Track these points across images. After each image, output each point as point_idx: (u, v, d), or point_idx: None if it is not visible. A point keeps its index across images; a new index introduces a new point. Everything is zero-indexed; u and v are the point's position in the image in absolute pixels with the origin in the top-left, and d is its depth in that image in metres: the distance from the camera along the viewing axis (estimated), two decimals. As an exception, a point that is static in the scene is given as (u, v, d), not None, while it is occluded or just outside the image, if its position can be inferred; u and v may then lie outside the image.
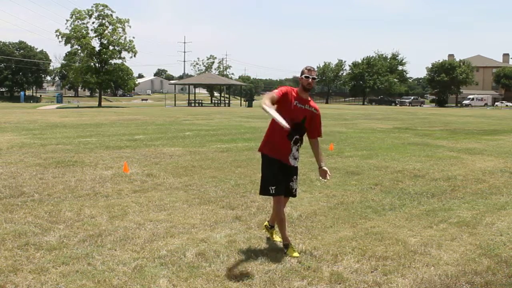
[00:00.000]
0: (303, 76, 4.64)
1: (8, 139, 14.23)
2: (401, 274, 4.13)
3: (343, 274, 4.09)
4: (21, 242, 4.75)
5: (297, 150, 4.70)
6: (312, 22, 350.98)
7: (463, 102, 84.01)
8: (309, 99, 4.72)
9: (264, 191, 4.70)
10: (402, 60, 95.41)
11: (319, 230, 5.39)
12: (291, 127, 4.40)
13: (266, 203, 6.42)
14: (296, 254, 4.53)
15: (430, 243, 4.97)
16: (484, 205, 6.72)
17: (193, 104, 61.76)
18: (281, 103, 4.53)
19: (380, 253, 4.61)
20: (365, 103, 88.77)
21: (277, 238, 4.95)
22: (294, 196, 4.88)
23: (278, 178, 4.61)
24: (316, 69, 4.70)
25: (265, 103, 4.20)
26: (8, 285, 3.78)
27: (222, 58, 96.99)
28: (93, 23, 58.04)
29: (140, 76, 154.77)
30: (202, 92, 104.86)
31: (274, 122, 4.53)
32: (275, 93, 4.53)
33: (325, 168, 4.79)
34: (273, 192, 4.61)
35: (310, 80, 4.61)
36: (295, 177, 4.78)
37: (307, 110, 4.69)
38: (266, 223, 5.13)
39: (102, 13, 57.95)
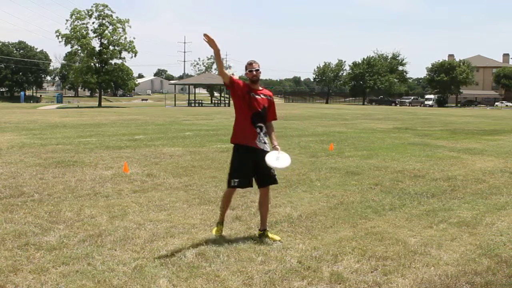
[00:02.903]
0: (247, 71, 4.98)
1: (8, 139, 14.23)
2: (401, 274, 4.13)
3: (343, 274, 4.09)
4: (21, 242, 4.75)
5: (264, 135, 4.98)
6: (312, 22, 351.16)
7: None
8: (261, 88, 5.07)
9: (228, 183, 4.98)
10: (402, 60, 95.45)
11: (319, 230, 5.39)
12: (253, 116, 4.88)
13: (266, 203, 6.42)
14: (218, 232, 5.04)
15: (430, 243, 4.97)
16: (484, 205, 6.72)
17: (193, 104, 61.75)
18: (237, 94, 4.90)
19: (380, 253, 4.61)
20: (365, 103, 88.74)
21: (275, 237, 5.00)
22: (276, 182, 5.05)
23: (242, 170, 4.87)
24: (257, 61, 4.97)
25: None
26: (8, 285, 3.78)
27: (222, 58, 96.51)
28: (93, 23, 58.15)
29: (140, 76, 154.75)
30: (202, 92, 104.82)
31: (238, 112, 4.96)
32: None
33: (277, 146, 4.99)
34: (235, 184, 4.89)
35: (254, 72, 4.94)
36: None
37: (264, 99, 5.01)
38: (258, 232, 5.15)
39: (102, 13, 57.98)
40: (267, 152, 4.92)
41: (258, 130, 4.92)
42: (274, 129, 5.15)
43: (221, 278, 3.97)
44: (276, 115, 5.17)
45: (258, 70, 4.96)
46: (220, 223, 5.21)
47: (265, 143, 4.97)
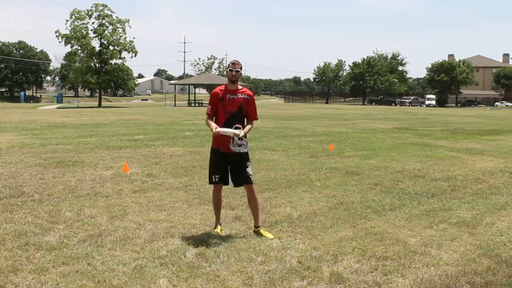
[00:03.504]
0: (228, 69, 5.13)
1: (8, 139, 14.23)
2: (401, 274, 4.13)
3: (343, 274, 4.09)
4: (21, 242, 4.75)
5: (240, 138, 5.04)
6: (312, 22, 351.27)
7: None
8: (240, 87, 5.18)
9: (209, 180, 5.22)
10: (402, 60, 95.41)
11: (319, 230, 5.39)
12: (229, 118, 5.02)
13: (266, 203, 6.43)
14: (217, 233, 5.10)
15: (430, 243, 4.97)
16: (484, 205, 6.72)
17: (193, 104, 61.75)
18: (216, 105, 5.07)
19: (380, 253, 4.61)
20: (365, 103, 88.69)
21: (268, 235, 5.04)
22: (251, 182, 5.15)
23: (220, 169, 5.11)
24: (240, 62, 5.11)
25: (212, 128, 4.92)
26: (8, 285, 3.78)
27: (222, 58, 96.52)
28: (93, 23, 58.09)
29: (140, 76, 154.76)
30: (202, 92, 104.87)
31: (215, 118, 5.11)
32: (208, 109, 5.13)
33: (242, 132, 4.99)
34: (216, 180, 5.14)
35: (234, 72, 5.06)
36: (248, 163, 5.14)
37: (241, 99, 5.13)
38: (253, 229, 5.20)
39: (102, 13, 57.93)
40: (242, 153, 5.07)
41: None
42: (250, 126, 5.18)
43: (221, 278, 3.97)
44: (256, 114, 5.26)
45: (238, 71, 5.08)
46: (219, 224, 5.28)
47: (240, 146, 5.05)
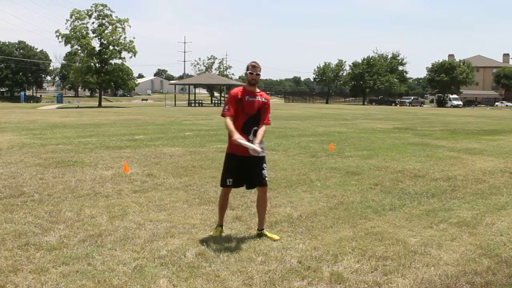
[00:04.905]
0: (248, 72, 5.02)
1: (8, 139, 14.23)
2: (401, 274, 4.13)
3: (343, 274, 4.09)
4: (21, 242, 4.75)
5: (259, 141, 4.95)
6: (312, 22, 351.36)
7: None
8: (258, 91, 5.13)
9: (222, 183, 5.12)
10: (402, 60, 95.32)
11: (319, 230, 5.39)
12: (248, 120, 4.95)
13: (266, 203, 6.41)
14: (217, 234, 5.09)
15: (430, 243, 4.97)
16: (484, 205, 6.72)
17: (193, 104, 61.74)
18: (235, 106, 4.95)
19: (380, 253, 4.61)
20: (365, 103, 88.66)
21: (274, 237, 5.03)
22: (265, 184, 5.13)
23: (234, 173, 5.02)
24: (259, 65, 5.04)
25: (235, 136, 4.73)
26: (8, 285, 3.78)
27: (223, 59, 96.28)
28: (92, 23, 58.13)
29: (140, 76, 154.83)
30: (202, 92, 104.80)
31: (233, 119, 4.95)
32: (226, 110, 4.93)
33: (256, 144, 4.82)
34: (230, 183, 5.06)
35: (254, 75, 4.99)
36: (264, 165, 5.07)
37: (259, 101, 5.06)
38: (257, 231, 5.19)
39: (102, 13, 57.98)
40: (259, 157, 4.99)
41: (251, 136, 4.96)
42: (263, 131, 5.01)
43: (221, 278, 3.97)
44: (269, 119, 5.12)
45: (258, 74, 5.02)
46: (220, 225, 5.25)
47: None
